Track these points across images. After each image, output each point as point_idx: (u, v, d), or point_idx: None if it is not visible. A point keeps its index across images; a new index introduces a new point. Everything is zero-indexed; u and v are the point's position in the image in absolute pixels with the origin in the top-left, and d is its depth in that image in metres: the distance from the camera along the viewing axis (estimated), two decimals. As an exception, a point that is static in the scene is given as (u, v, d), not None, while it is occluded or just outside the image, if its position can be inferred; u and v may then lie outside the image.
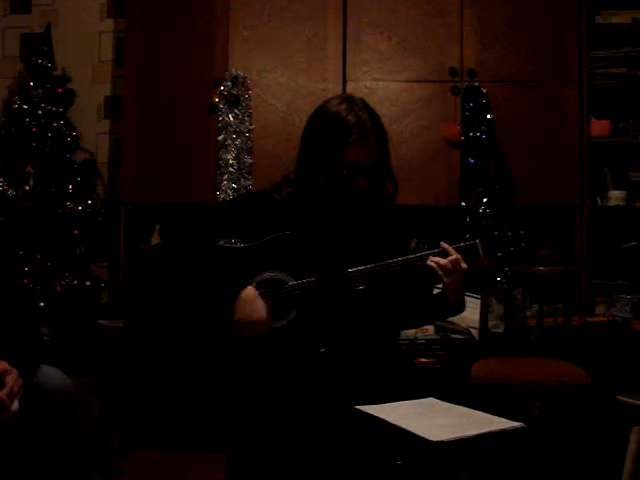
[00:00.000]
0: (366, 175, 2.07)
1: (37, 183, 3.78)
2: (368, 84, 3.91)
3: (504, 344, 3.57)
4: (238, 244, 2.14)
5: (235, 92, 3.89)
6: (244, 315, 2.04)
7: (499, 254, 2.08)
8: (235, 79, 3.90)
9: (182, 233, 2.17)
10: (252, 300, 2.05)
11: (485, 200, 3.72)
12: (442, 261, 2.02)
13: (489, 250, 2.08)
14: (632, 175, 3.89)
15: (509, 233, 2.09)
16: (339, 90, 3.85)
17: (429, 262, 2.03)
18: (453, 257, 2.02)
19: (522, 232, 2.09)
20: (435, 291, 2.24)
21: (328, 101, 2.14)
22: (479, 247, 2.07)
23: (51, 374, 2.16)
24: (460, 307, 2.14)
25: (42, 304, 3.64)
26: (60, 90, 3.98)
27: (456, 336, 3.68)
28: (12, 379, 1.92)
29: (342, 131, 2.02)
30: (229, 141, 3.88)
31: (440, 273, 2.03)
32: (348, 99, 2.10)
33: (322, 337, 2.06)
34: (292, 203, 2.15)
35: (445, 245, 2.05)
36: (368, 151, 2.05)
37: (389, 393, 1.97)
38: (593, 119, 3.88)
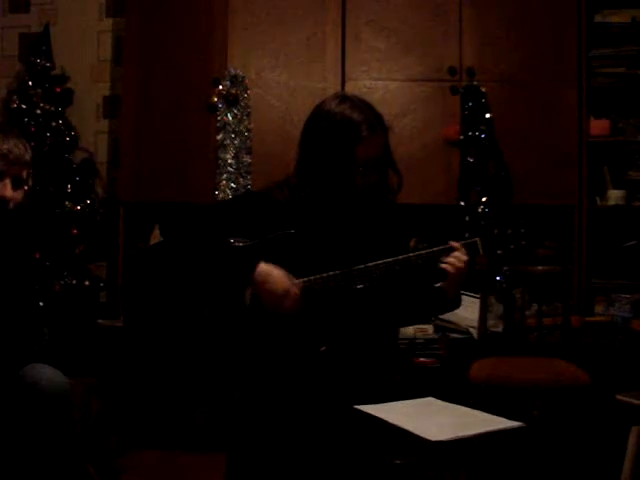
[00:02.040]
0: (377, 168, 2.09)
1: (36, 183, 3.77)
2: (367, 83, 3.91)
3: (503, 343, 3.57)
4: (240, 242, 2.14)
5: (234, 91, 3.88)
6: (268, 292, 2.02)
7: (499, 252, 2.08)
8: (234, 78, 3.90)
9: (185, 232, 2.17)
10: (269, 274, 2.03)
11: (484, 199, 3.72)
12: (457, 263, 2.02)
13: (489, 248, 2.08)
14: (631, 174, 3.89)
15: (509, 231, 2.09)
16: (338, 89, 3.83)
17: (445, 267, 2.04)
18: (465, 258, 2.03)
19: (522, 230, 2.09)
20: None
21: (325, 103, 2.14)
22: (479, 245, 2.07)
23: (49, 374, 2.16)
24: (457, 302, 2.15)
25: (41, 303, 3.63)
26: (59, 89, 3.98)
27: (455, 335, 3.67)
28: None
29: (352, 129, 2.04)
30: (228, 140, 3.87)
31: (452, 273, 2.03)
32: (345, 98, 2.11)
33: (323, 336, 2.06)
34: (294, 202, 2.15)
35: (454, 243, 2.06)
36: (378, 143, 2.08)
37: (388, 392, 1.97)
38: (592, 118, 3.88)
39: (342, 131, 2.04)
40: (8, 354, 2.09)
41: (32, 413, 2.04)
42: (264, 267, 2.03)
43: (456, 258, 2.04)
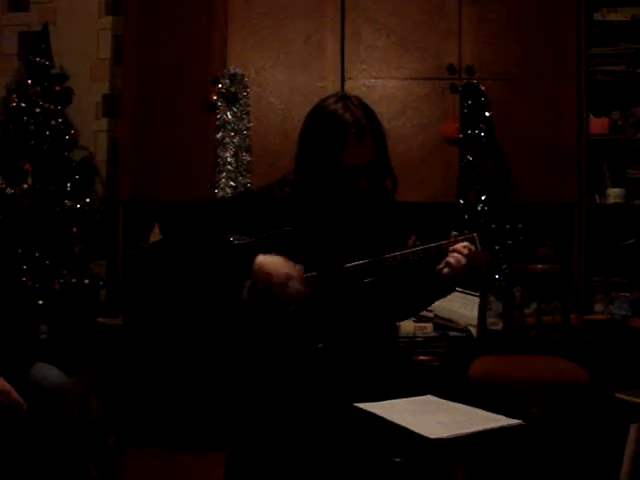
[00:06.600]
0: (365, 174, 2.07)
1: (35, 181, 3.77)
2: (366, 82, 3.91)
3: (503, 342, 3.57)
4: (239, 240, 2.14)
5: (233, 90, 3.88)
6: (269, 279, 1.99)
7: (497, 248, 2.08)
8: (233, 77, 3.89)
9: (184, 230, 2.17)
10: (269, 264, 2.01)
11: (483, 197, 3.72)
12: (462, 260, 2.01)
13: (487, 243, 2.07)
14: (631, 173, 3.89)
15: (507, 226, 2.08)
16: (338, 88, 3.84)
17: (451, 260, 2.02)
18: (466, 250, 2.02)
19: (520, 226, 2.09)
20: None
21: (324, 100, 2.13)
22: (477, 240, 2.06)
23: (47, 371, 2.16)
24: (450, 287, 2.14)
25: (41, 302, 3.63)
26: (58, 88, 3.98)
27: (455, 334, 3.68)
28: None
29: (339, 133, 2.01)
30: (227, 139, 3.87)
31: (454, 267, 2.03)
32: (343, 98, 2.10)
33: (320, 333, 2.06)
34: (292, 201, 2.15)
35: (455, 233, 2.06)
36: (366, 151, 2.04)
37: (387, 390, 1.97)
38: (592, 116, 3.88)
39: (329, 133, 2.03)
40: (14, 355, 2.09)
41: (31, 411, 2.04)
42: (262, 257, 2.01)
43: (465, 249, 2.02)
